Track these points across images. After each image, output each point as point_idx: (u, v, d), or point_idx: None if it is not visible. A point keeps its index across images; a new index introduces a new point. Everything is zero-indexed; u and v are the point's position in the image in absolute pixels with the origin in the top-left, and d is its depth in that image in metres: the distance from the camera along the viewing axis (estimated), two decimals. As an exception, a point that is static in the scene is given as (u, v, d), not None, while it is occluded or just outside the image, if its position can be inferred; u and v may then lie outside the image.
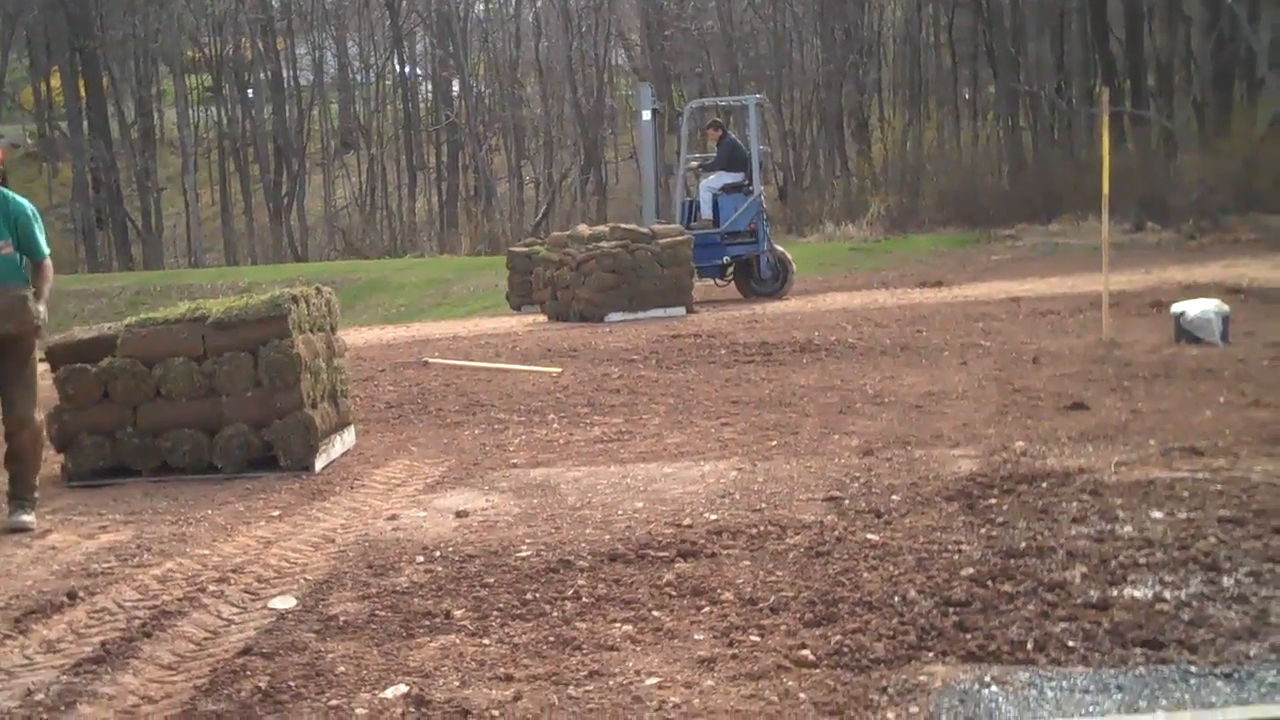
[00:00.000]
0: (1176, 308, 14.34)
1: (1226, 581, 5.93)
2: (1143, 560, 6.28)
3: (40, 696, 5.38)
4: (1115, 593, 5.83)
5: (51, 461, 10.50)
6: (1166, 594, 5.79)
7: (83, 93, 58.56)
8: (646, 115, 24.50)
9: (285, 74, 61.45)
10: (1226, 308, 14.19)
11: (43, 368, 12.03)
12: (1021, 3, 49.47)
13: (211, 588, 6.81)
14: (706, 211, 23.71)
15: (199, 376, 9.92)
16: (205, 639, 6.00)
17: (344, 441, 10.77)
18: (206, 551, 7.64)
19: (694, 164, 24.73)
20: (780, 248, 24.65)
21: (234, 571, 7.12)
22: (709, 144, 25.99)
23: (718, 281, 24.13)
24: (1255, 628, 5.33)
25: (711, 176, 23.89)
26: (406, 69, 62.92)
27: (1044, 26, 49.03)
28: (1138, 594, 5.81)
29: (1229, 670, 4.93)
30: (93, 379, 9.99)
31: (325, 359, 10.57)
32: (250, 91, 60.95)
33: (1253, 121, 39.47)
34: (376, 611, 6.21)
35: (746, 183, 23.56)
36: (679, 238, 21.06)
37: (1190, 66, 45.88)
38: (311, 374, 10.14)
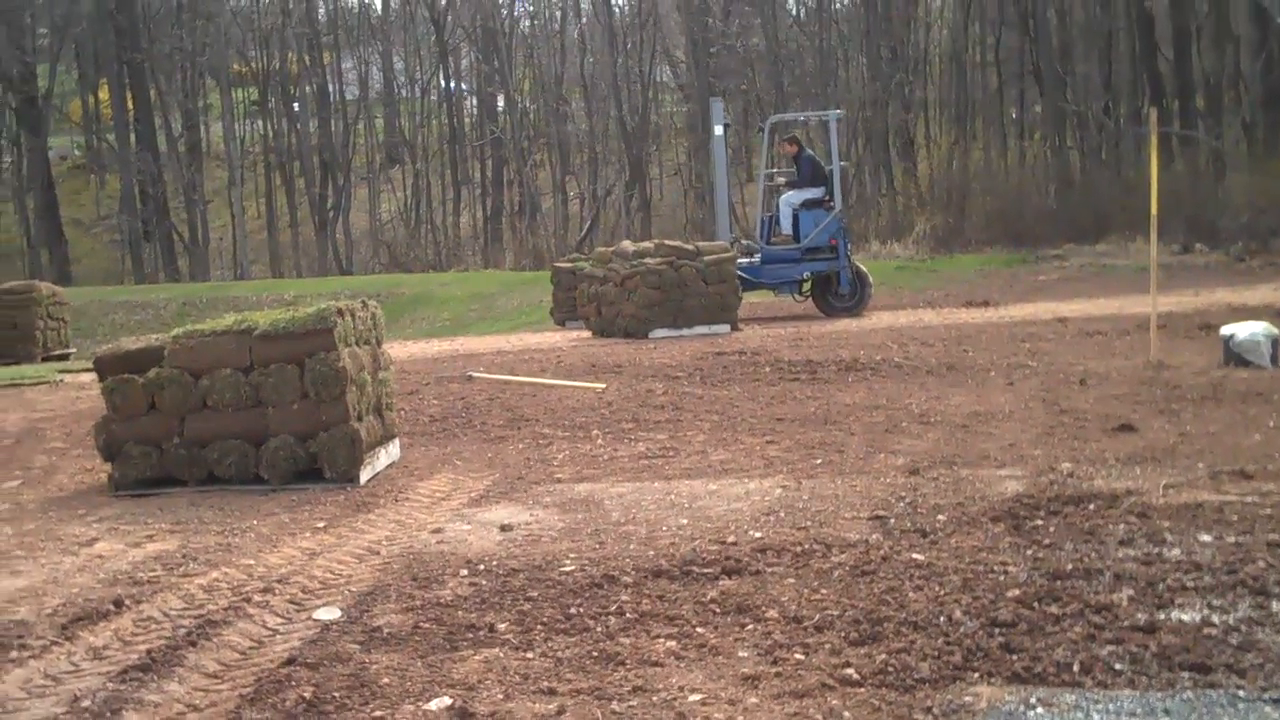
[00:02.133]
0: (1225, 330, 14.24)
1: (1275, 606, 5.87)
2: (1190, 584, 6.23)
3: (86, 703, 5.40)
4: (1163, 616, 5.79)
5: (98, 471, 10.59)
6: (1215, 618, 5.74)
7: (130, 105, 59.02)
8: (719, 130, 24.38)
9: (331, 88, 61.81)
10: (1276, 330, 14.08)
11: (89, 377, 12.12)
12: (1069, 22, 49.41)
13: (257, 598, 6.83)
14: (786, 227, 23.59)
15: (245, 388, 9.97)
16: (250, 648, 6.02)
17: (389, 454, 10.79)
18: (252, 562, 7.66)
19: (779, 180, 24.55)
20: (860, 264, 24.45)
21: (279, 582, 7.14)
22: (778, 159, 25.82)
23: (796, 297, 24.07)
24: (1305, 654, 5.29)
25: (791, 192, 23.74)
26: (451, 84, 63.19)
27: (1091, 46, 48.93)
28: (1185, 617, 5.77)
29: (1278, 696, 4.89)
30: (140, 390, 10.04)
31: (371, 372, 10.60)
32: (296, 105, 61.28)
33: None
34: (420, 624, 6.22)
35: (827, 198, 23.44)
36: (724, 254, 21.04)
37: (1239, 86, 45.69)
38: (357, 387, 10.18)
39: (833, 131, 24.75)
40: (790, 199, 23.59)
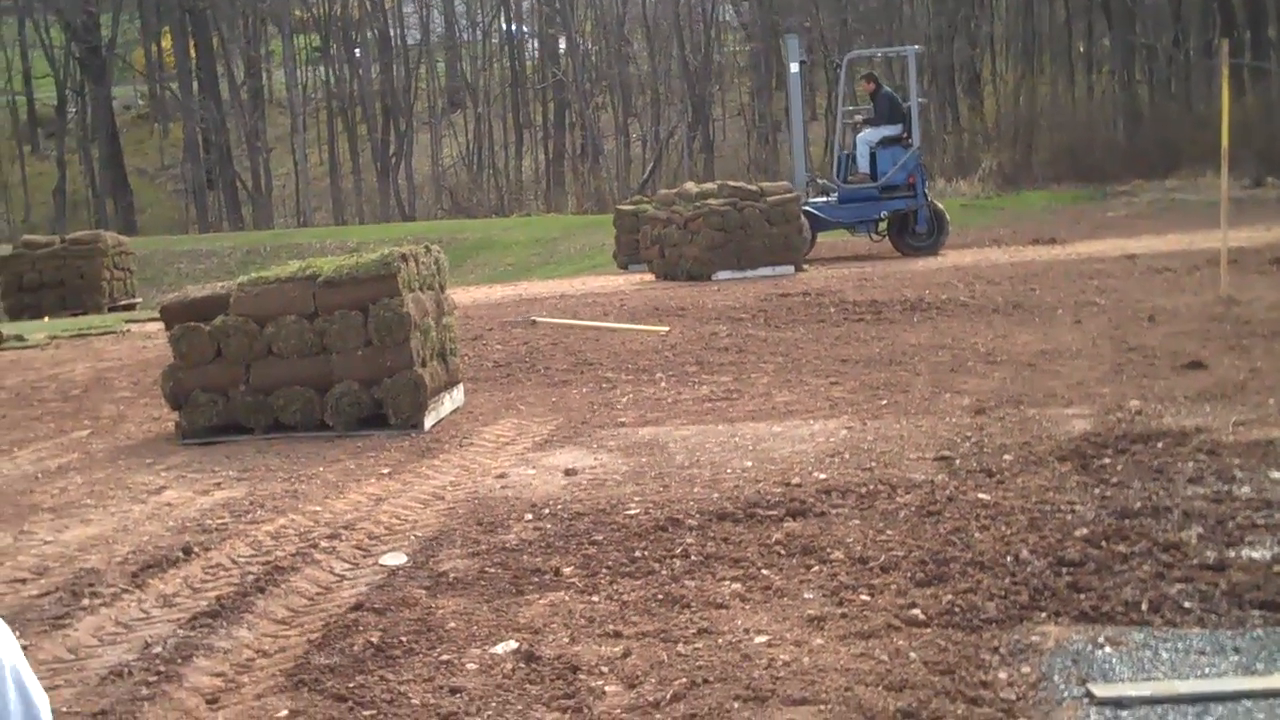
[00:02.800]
0: (1297, 264, 14.06)
1: (1348, 543, 5.83)
2: (1261, 521, 6.18)
3: (157, 650, 5.46)
4: (1232, 554, 5.75)
5: (166, 419, 10.67)
6: (1286, 556, 5.69)
7: (193, 54, 59.22)
8: (795, 68, 24.04)
9: (392, 33, 61.69)
10: (1349, 262, 13.89)
11: (155, 326, 12.19)
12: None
13: (323, 544, 6.88)
14: (864, 166, 23.27)
15: (310, 335, 10.00)
16: (318, 594, 6.06)
17: (453, 400, 10.82)
18: (318, 508, 7.72)
19: (858, 118, 24.22)
20: (937, 203, 24.19)
21: (345, 528, 7.18)
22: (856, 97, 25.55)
23: (873, 236, 23.87)
24: (1376, 591, 5.24)
25: (869, 130, 23.44)
26: (513, 27, 63.00)
27: (1162, -25, 48.21)
28: (1255, 555, 5.72)
29: (1349, 632, 4.85)
30: (206, 337, 10.10)
31: (434, 317, 10.61)
32: (358, 51, 61.28)
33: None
34: (486, 568, 6.24)
35: (905, 135, 23.18)
36: (787, 195, 20.93)
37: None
38: (421, 332, 10.19)
39: (911, 67, 24.38)
40: (868, 137, 23.29)
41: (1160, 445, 7.78)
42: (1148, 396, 9.33)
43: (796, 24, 52.15)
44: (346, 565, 6.50)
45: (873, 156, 23.11)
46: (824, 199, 23.37)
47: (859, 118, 24.19)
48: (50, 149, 63.12)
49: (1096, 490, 6.92)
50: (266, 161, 58.45)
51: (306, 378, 10.02)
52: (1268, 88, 40.79)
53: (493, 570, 6.21)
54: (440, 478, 8.38)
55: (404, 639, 5.34)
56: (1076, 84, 51.48)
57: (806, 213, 22.37)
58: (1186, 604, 5.20)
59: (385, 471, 8.65)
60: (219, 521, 7.56)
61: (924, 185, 23.37)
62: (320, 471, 8.78)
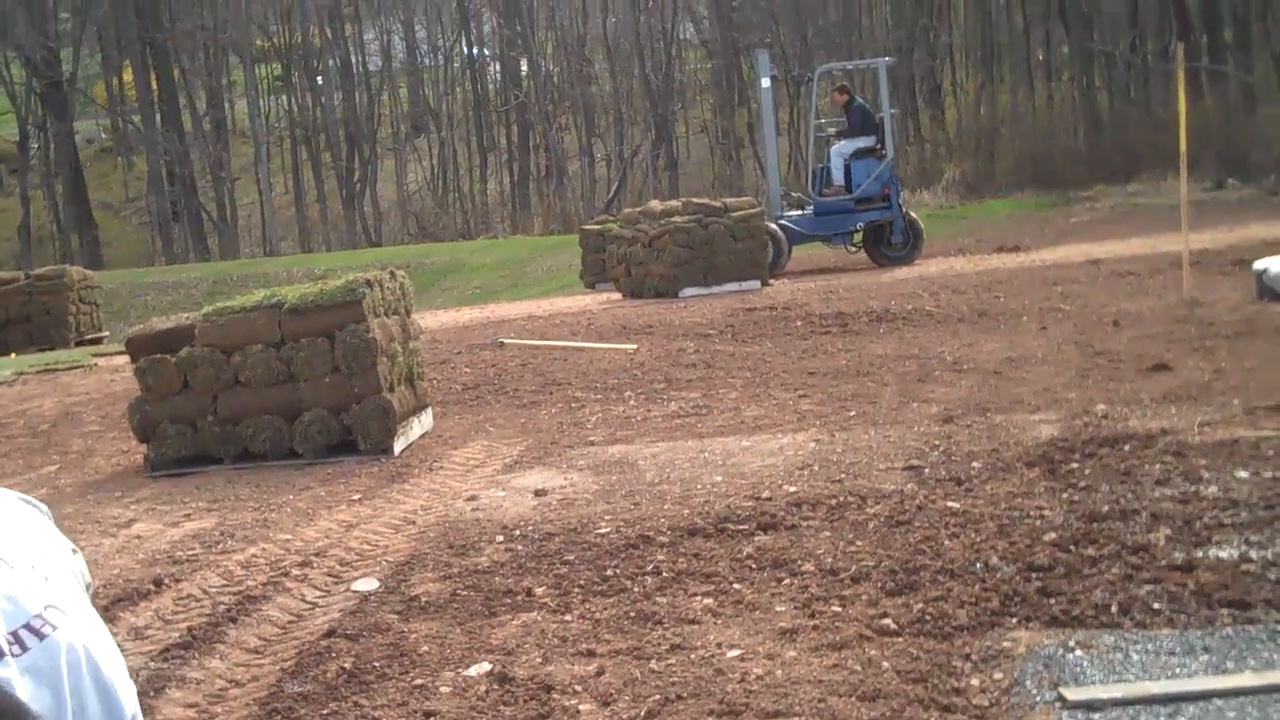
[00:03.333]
0: (1259, 265, 14.14)
1: (1314, 540, 5.87)
2: (1228, 521, 6.22)
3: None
4: (1200, 554, 5.78)
5: (134, 452, 10.64)
6: (1253, 554, 5.73)
7: (154, 86, 59.06)
8: (766, 83, 24.12)
9: (354, 60, 61.68)
10: (1311, 264, 13.99)
11: (122, 359, 12.12)
12: (1093, -42, 48.97)
13: (295, 572, 6.88)
14: (838, 178, 23.33)
15: (277, 363, 9.99)
16: (290, 622, 6.05)
17: (422, 424, 10.81)
18: (289, 536, 7.70)
19: (830, 130, 24.26)
20: (912, 213, 24.24)
21: (316, 555, 7.17)
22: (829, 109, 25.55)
23: (849, 248, 23.89)
24: (1344, 587, 5.28)
25: (843, 142, 23.49)
26: (474, 50, 63.02)
27: (1117, -18, 48.51)
28: (1223, 555, 5.76)
29: (1319, 629, 4.88)
30: (173, 369, 10.07)
31: (401, 342, 10.61)
32: (320, 79, 61.25)
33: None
34: (458, 591, 6.24)
35: (879, 147, 23.25)
36: (752, 210, 20.97)
37: (1268, 19, 45.29)
38: (388, 358, 10.19)
39: (883, 79, 24.39)
40: (842, 149, 23.35)
41: (1127, 448, 7.83)
42: (1114, 400, 9.38)
43: (757, 40, 52.41)
44: (318, 592, 6.49)
45: (847, 169, 23.15)
46: (798, 212, 23.43)
47: (831, 130, 24.23)
48: (13, 185, 62.84)
49: (1064, 495, 6.95)
50: (231, 191, 58.34)
51: (275, 406, 10.00)
52: (1225, 90, 41.07)
53: (465, 593, 6.21)
54: (411, 502, 8.37)
55: (377, 664, 5.34)
56: (1036, 92, 51.70)
57: (782, 227, 22.53)
58: (1156, 605, 5.23)
59: (355, 498, 8.64)
60: (189, 553, 7.54)
61: (898, 196, 23.43)
62: (290, 499, 8.76)
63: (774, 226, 22.39)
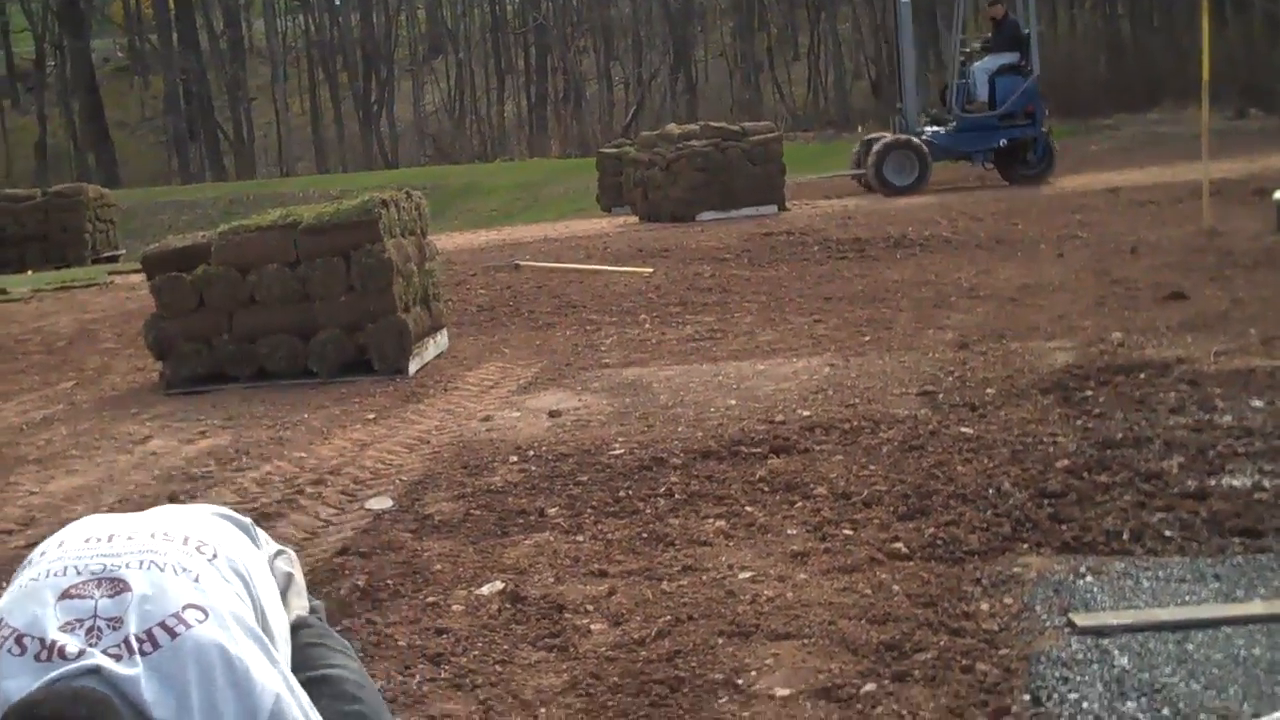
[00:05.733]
0: (1279, 195, 14.06)
1: (1328, 469, 5.86)
2: (1241, 449, 6.20)
3: (143, 598, 5.46)
4: (1213, 482, 5.78)
5: (150, 370, 10.67)
6: (1265, 483, 5.72)
7: (172, 5, 58.81)
8: None
9: (373, -20, 61.42)
10: (1329, 193, 13.91)
11: (138, 278, 12.12)
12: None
13: (309, 490, 6.90)
14: (982, 94, 23.04)
15: (292, 282, 9.98)
16: (304, 539, 6.07)
17: (437, 345, 10.82)
18: (303, 454, 7.73)
19: (977, 44, 23.93)
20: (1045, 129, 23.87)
21: (331, 474, 7.20)
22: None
23: (985, 165, 23.65)
24: (1356, 515, 5.27)
25: (988, 58, 23.22)
26: (496, -30, 62.68)
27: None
28: (1236, 483, 5.75)
29: (1328, 558, 4.89)
30: (188, 286, 10.07)
31: (417, 263, 10.60)
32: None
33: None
34: (471, 511, 6.26)
35: (1024, 63, 22.98)
36: (769, 134, 20.90)
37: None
38: (403, 278, 10.18)
39: None
40: (986, 65, 23.07)
41: (1142, 376, 7.80)
42: (1130, 328, 9.34)
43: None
44: (332, 510, 6.52)
45: (992, 84, 22.85)
46: (937, 128, 23.24)
47: (977, 45, 23.91)
48: (30, 103, 62.77)
49: (1078, 422, 6.94)
50: (248, 111, 58.24)
51: (290, 325, 10.00)
52: (1249, 20, 40.71)
53: (478, 512, 6.22)
54: (425, 422, 8.39)
55: (390, 582, 5.36)
56: (1059, 19, 51.29)
57: (926, 143, 22.51)
58: (1167, 533, 5.23)
59: (370, 417, 8.66)
60: (204, 470, 7.56)
61: (1042, 114, 23.10)
62: (305, 418, 8.78)
63: (917, 141, 22.40)
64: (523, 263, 15.62)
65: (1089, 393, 7.55)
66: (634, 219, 21.91)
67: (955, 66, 23.85)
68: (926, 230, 16.05)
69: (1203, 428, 6.62)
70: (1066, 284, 11.67)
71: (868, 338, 9.92)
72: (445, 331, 11.19)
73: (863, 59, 52.50)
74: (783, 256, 14.82)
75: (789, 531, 5.61)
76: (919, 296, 11.62)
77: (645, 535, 5.69)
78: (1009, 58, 22.80)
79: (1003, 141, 22.78)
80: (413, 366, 10.03)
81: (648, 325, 11.34)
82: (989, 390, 7.82)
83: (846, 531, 5.52)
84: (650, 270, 14.28)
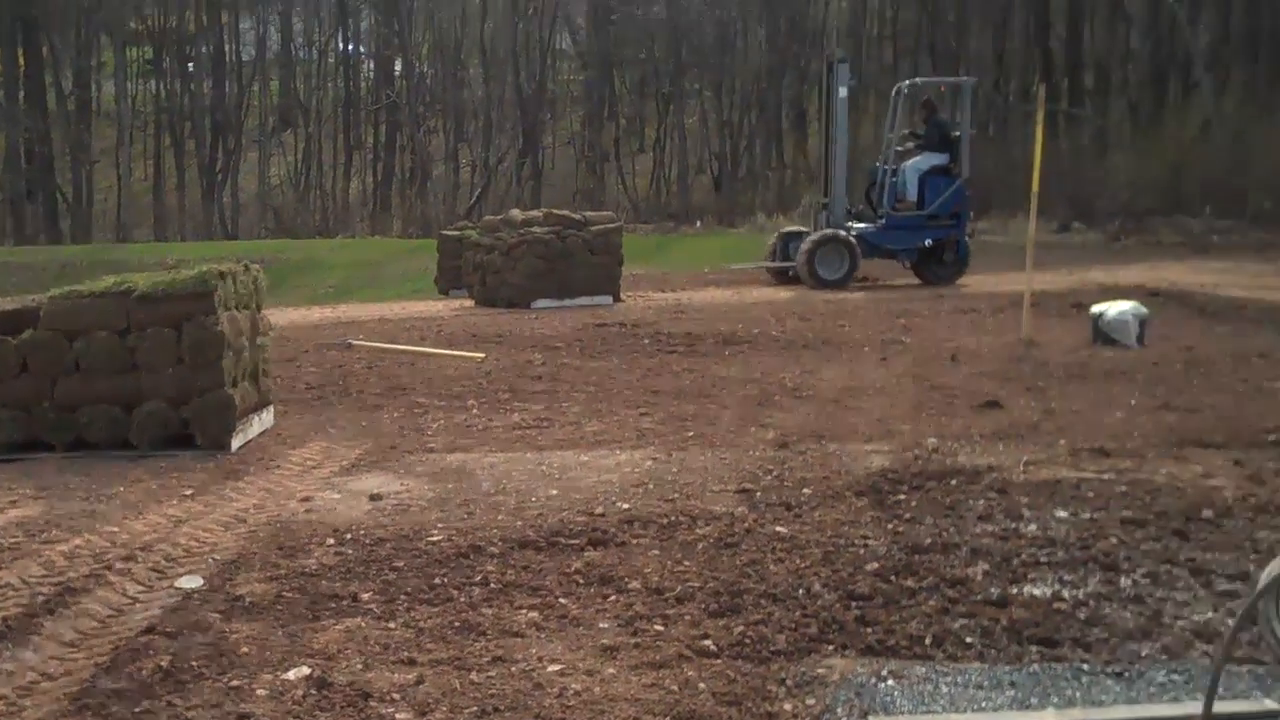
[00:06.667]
0: (1096, 309, 14.53)
1: (1124, 582, 6.06)
2: (1044, 559, 6.39)
3: (-62, 672, 5.35)
4: (1015, 590, 5.94)
5: (-35, 435, 10.41)
6: (1065, 593, 5.89)
7: (21, 62, 57.83)
8: (843, 93, 24.02)
9: (227, 49, 60.96)
10: (1145, 310, 14.40)
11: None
12: (965, -2, 49.97)
13: (119, 565, 6.78)
14: (911, 193, 23.55)
15: (121, 351, 9.82)
16: (109, 617, 5.98)
17: (262, 421, 10.72)
18: (116, 529, 7.60)
19: (910, 144, 24.36)
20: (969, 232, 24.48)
21: (142, 549, 7.09)
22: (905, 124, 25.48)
23: (905, 264, 24.09)
24: (1149, 628, 5.45)
25: (918, 157, 23.73)
26: (350, 47, 62.58)
27: (986, 21, 49.50)
28: (1037, 592, 5.91)
29: (1120, 669, 5.04)
30: (12, 351, 9.86)
31: (249, 337, 10.52)
32: (191, 66, 60.42)
33: (1184, 124, 39.95)
34: (284, 593, 6.21)
35: (953, 165, 23.46)
36: (610, 225, 21.09)
37: (1128, 66, 46.48)
38: (234, 352, 10.09)
39: (966, 98, 24.31)
40: (917, 164, 23.58)
41: (954, 482, 8.00)
42: (945, 434, 9.58)
43: (632, 55, 52.71)
44: (141, 588, 6.42)
45: (921, 184, 23.40)
46: (864, 225, 23.66)
47: (909, 144, 24.37)
48: None
49: (890, 526, 7.09)
50: (90, 174, 57.31)
51: (114, 395, 9.84)
52: (1080, 133, 41.95)
53: (290, 595, 6.18)
54: (243, 500, 8.30)
55: (195, 664, 5.30)
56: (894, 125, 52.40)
57: (857, 237, 22.91)
58: (969, 639, 5.36)
59: (188, 493, 8.55)
60: (11, 540, 7.40)
61: (967, 216, 23.72)
62: (121, 491, 8.64)
63: (849, 237, 22.79)
64: (355, 342, 15.57)
65: (901, 497, 7.72)
66: (470, 303, 21.95)
67: (891, 163, 24.12)
68: (756, 328, 16.29)
69: (1008, 536, 6.80)
70: (887, 388, 11.92)
71: (691, 433, 10.03)
72: (272, 408, 11.09)
73: (707, 154, 53.17)
74: (614, 348, 14.95)
75: (601, 625, 5.66)
76: (744, 394, 11.78)
77: (458, 624, 5.70)
78: (939, 159, 23.44)
79: (928, 241, 23.37)
80: (236, 443, 9.93)
81: (476, 411, 11.35)
82: (805, 490, 7.96)
83: (658, 627, 5.58)
84: (482, 356, 14.31)
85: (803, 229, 24.95)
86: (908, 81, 25.91)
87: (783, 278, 24.13)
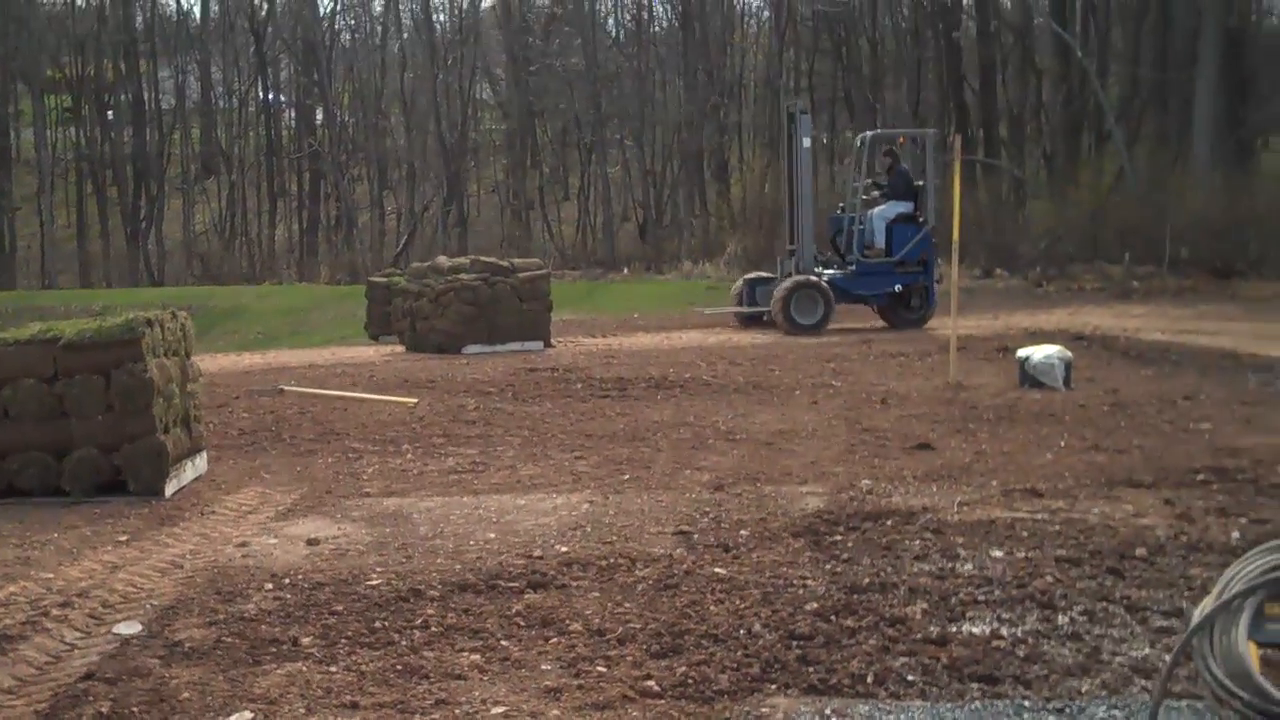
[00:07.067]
0: (1022, 353, 14.73)
1: (1061, 619, 6.12)
2: (982, 597, 6.45)
3: (-125, 721, 5.29)
4: (954, 629, 5.99)
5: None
6: (1004, 631, 5.95)
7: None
8: (807, 143, 24.41)
9: (147, 97, 60.59)
10: (1069, 354, 14.61)
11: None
12: (880, 51, 50.61)
13: (55, 612, 6.73)
14: (879, 240, 23.99)
15: (49, 399, 9.76)
16: (47, 663, 5.93)
17: (196, 467, 10.66)
18: (51, 575, 7.54)
19: (875, 193, 24.72)
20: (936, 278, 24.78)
21: (79, 596, 7.03)
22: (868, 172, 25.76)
23: (874, 308, 24.51)
24: (1087, 664, 5.52)
25: (884, 206, 24.16)
26: (270, 95, 62.38)
27: (901, 74, 50.18)
28: (976, 630, 5.97)
29: (1061, 705, 5.09)
30: (-62, 400, 9.79)
31: (179, 384, 10.46)
32: (110, 114, 60.04)
33: (1099, 173, 40.62)
34: (223, 638, 6.18)
35: (918, 213, 23.86)
36: (538, 272, 21.15)
37: (1041, 117, 47.21)
38: (164, 399, 10.04)
39: (929, 149, 24.88)
40: (884, 212, 24.00)
41: (889, 523, 8.07)
42: (879, 476, 9.67)
43: (552, 105, 52.89)
44: (78, 634, 6.37)
45: (889, 231, 23.84)
46: (833, 272, 24.01)
47: (875, 192, 24.74)
48: None
49: (827, 566, 7.14)
50: (11, 222, 56.73)
51: (44, 442, 9.76)
52: (998, 183, 42.51)
53: (230, 640, 6.15)
54: (180, 546, 8.25)
55: (135, 710, 5.26)
56: (819, 173, 52.91)
57: (831, 284, 23.32)
58: (910, 677, 5.40)
59: (123, 539, 8.49)
60: (-55, 589, 7.34)
61: (933, 262, 24.07)
62: (55, 537, 8.56)
63: (823, 283, 23.22)
64: (287, 388, 15.51)
65: (838, 538, 7.78)
66: (400, 349, 21.90)
67: (856, 212, 24.42)
68: (687, 373, 16.37)
69: (945, 575, 6.87)
70: (819, 431, 12.00)
71: (627, 476, 10.06)
72: (205, 454, 11.03)
73: (630, 201, 53.37)
74: (547, 393, 14.97)
75: (543, 667, 5.66)
76: (678, 437, 11.82)
77: (400, 667, 5.69)
78: (904, 207, 23.93)
79: (898, 287, 23.73)
80: (169, 489, 9.87)
81: (410, 456, 11.33)
82: (743, 532, 8.00)
83: (600, 668, 5.59)
84: (415, 401, 14.29)
85: (767, 274, 25.37)
86: (870, 133, 26.45)
87: (751, 322, 24.56)
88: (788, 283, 23.34)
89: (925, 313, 24.10)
